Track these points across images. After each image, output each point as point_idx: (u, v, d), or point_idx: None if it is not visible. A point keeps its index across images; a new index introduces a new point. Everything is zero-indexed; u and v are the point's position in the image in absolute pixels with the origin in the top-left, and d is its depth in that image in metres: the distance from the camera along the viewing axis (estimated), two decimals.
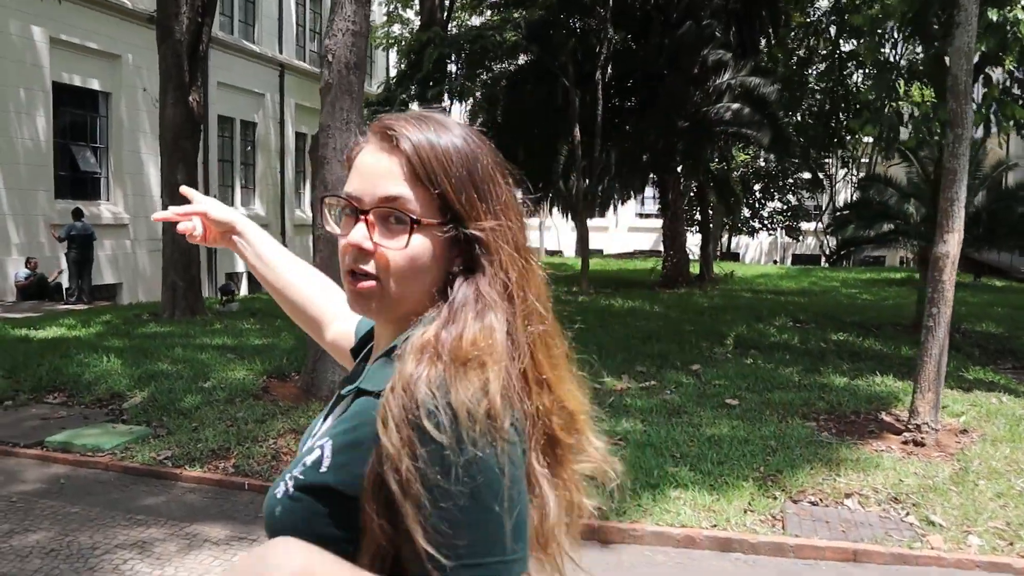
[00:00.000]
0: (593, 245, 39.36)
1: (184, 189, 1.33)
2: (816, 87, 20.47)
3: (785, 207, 32.92)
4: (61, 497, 4.78)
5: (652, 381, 7.68)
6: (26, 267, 14.75)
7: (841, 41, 17.88)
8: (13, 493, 4.85)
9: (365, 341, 1.10)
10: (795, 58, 20.20)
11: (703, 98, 17.43)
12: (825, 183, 33.20)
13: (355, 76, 6.34)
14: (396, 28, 25.61)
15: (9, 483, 5.02)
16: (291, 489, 0.88)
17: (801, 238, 35.60)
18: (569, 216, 29.22)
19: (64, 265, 15.02)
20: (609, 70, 16.09)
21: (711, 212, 22.16)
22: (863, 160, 28.83)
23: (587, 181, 16.22)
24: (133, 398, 6.66)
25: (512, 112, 17.23)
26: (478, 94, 16.12)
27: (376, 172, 0.92)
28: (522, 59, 16.17)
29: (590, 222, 33.74)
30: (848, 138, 21.35)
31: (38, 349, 8.23)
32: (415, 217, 0.89)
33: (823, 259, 38.17)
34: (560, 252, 39.62)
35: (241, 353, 8.00)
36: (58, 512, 4.53)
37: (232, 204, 20.85)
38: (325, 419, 1.00)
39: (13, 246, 14.85)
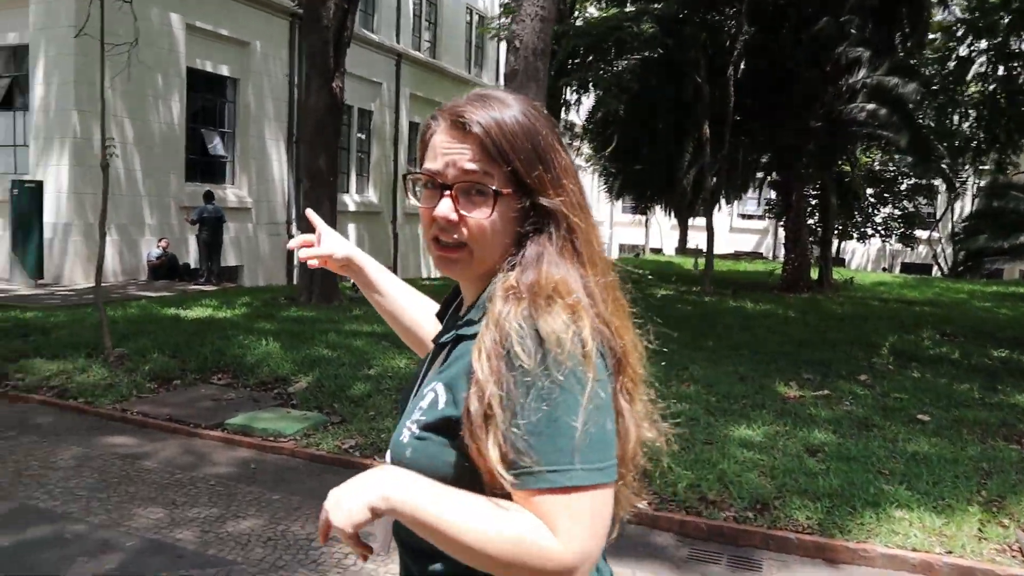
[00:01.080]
0: (692, 245, 38.57)
1: (309, 215, 1.51)
2: (966, 91, 19.26)
3: (899, 213, 31.37)
4: (257, 483, 4.70)
5: (824, 391, 7.22)
6: (157, 247, 15.17)
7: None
8: (209, 475, 4.79)
9: (448, 304, 1.24)
10: (937, 57, 19.07)
11: (835, 97, 16.65)
12: (942, 190, 31.62)
13: (541, 63, 6.11)
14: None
15: (202, 465, 4.97)
16: (416, 431, 1.00)
17: (913, 246, 33.94)
18: (672, 214, 28.60)
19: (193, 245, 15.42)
20: (742, 66, 15.50)
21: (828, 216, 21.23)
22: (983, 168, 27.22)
23: (714, 179, 15.69)
24: (298, 383, 6.61)
25: (637, 106, 16.82)
26: (601, 87, 15.71)
27: (455, 152, 1.03)
28: (649, 52, 15.70)
29: (691, 222, 33.08)
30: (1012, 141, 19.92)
31: (193, 329, 8.33)
32: (496, 189, 1.01)
33: (936, 269, 36.43)
34: (660, 250, 38.95)
35: (394, 341, 7.89)
36: (260, 499, 4.44)
37: (347, 191, 21.10)
38: (426, 372, 1.13)
39: (147, 227, 15.30)
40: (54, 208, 13.81)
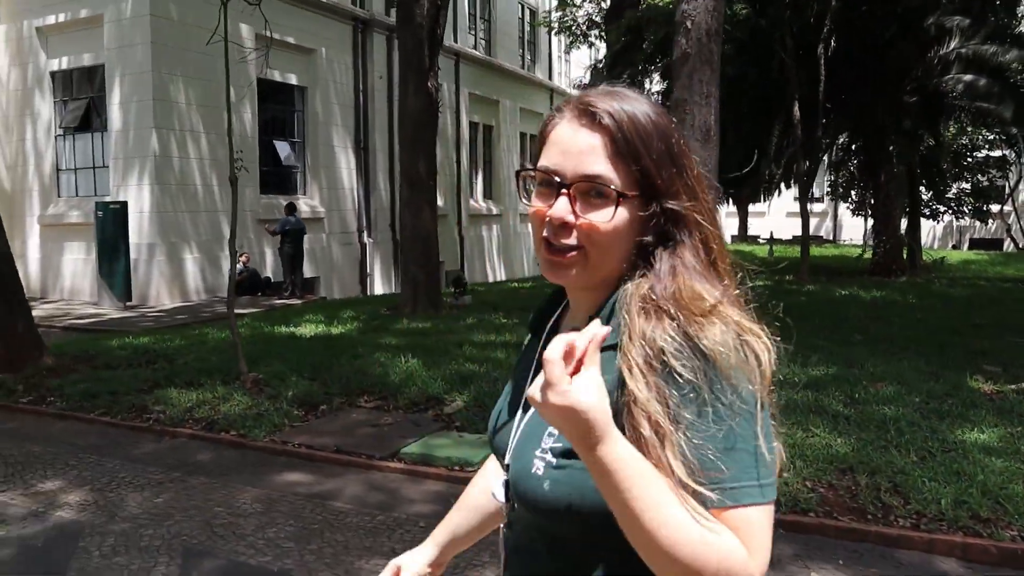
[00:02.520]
0: (750, 231, 37.61)
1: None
2: None
3: (971, 188, 30.18)
4: None
5: (1022, 383, 6.57)
6: (238, 262, 14.90)
7: None
8: (412, 515, 4.34)
9: (543, 314, 1.13)
10: None
11: (927, 70, 15.81)
12: (1012, 161, 30.45)
13: (715, 44, 5.57)
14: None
15: (397, 503, 4.53)
16: (553, 459, 0.92)
17: (986, 221, 32.69)
18: (730, 201, 27.79)
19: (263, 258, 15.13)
20: (832, 42, 14.77)
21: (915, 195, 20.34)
22: None
23: (807, 162, 14.98)
24: (453, 402, 6.15)
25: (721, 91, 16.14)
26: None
27: (578, 148, 0.94)
28: (741, 34, 15.00)
29: (750, 208, 32.12)
30: None
31: (317, 348, 7.93)
32: (620, 191, 0.92)
33: (1008, 243, 35.11)
34: None
35: None
36: (483, 540, 3.96)
37: None
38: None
39: (226, 242, 15.01)
40: (136, 229, 13.59)
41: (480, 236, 23.36)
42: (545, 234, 0.96)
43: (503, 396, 1.15)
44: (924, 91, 15.75)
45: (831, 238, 39.09)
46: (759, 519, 0.83)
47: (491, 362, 7.05)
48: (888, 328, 9.15)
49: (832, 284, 14.49)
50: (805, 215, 15.56)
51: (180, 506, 4.47)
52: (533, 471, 0.93)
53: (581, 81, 16.48)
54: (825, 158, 20.49)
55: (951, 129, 24.12)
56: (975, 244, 37.49)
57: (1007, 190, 33.42)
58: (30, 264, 15.16)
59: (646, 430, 0.83)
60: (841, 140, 19.71)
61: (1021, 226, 33.62)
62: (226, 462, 5.29)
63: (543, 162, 0.97)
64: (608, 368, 0.87)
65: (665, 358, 0.84)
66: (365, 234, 18.59)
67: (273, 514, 4.33)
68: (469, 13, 23.17)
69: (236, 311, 12.71)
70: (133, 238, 13.46)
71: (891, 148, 17.07)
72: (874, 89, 15.59)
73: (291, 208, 14.54)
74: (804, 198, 15.71)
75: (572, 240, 0.94)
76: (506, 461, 1.02)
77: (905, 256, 18.29)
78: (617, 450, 0.81)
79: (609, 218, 0.92)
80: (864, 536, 4.05)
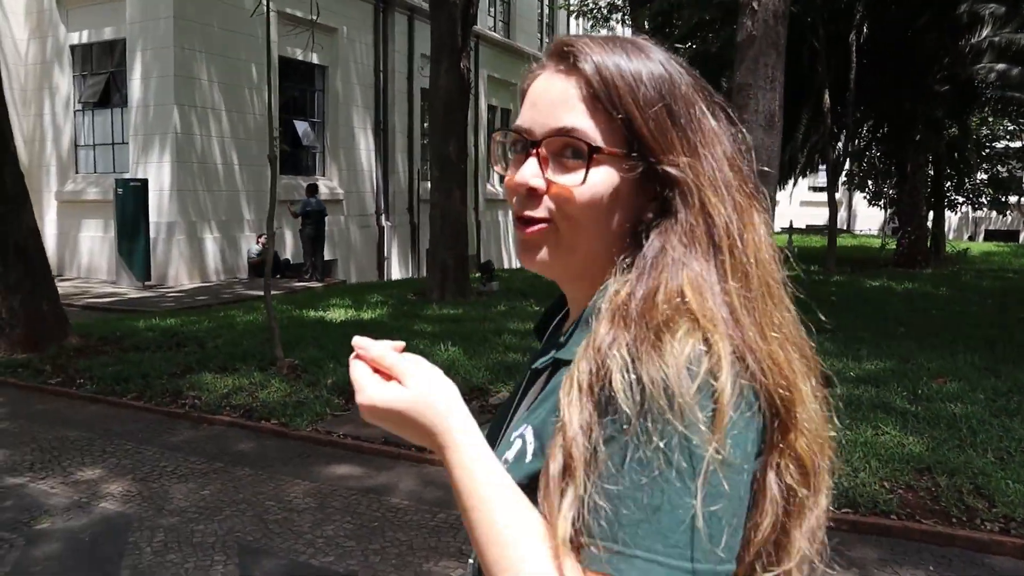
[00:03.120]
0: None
1: None
2: None
3: (988, 179, 29.82)
4: None
5: None
6: (256, 243, 14.70)
7: None
8: None
9: (549, 316, 0.94)
10: None
11: (956, 59, 15.48)
12: None
13: (782, 27, 5.33)
14: None
15: (454, 499, 4.34)
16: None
17: (1005, 213, 32.36)
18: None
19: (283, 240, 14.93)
20: (864, 29, 14.45)
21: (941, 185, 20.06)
22: None
23: (837, 150, 14.70)
24: (499, 392, 5.96)
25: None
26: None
27: (549, 98, 0.76)
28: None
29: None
30: None
31: (350, 333, 7.72)
32: (594, 144, 0.73)
33: None
34: None
35: None
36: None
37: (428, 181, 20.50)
38: (519, 402, 0.86)
39: (246, 222, 14.83)
40: (156, 207, 13.38)
41: (496, 221, 23.12)
42: (516, 207, 0.78)
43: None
44: (955, 80, 15.43)
45: (846, 227, 38.77)
46: None
47: (531, 351, 6.85)
48: (929, 321, 8.93)
49: (860, 275, 14.25)
50: (833, 204, 15.30)
51: (229, 499, 4.29)
52: None
53: None
54: (843, 147, 20.22)
55: (974, 119, 23.80)
56: (991, 235, 37.19)
57: None
58: (46, 241, 14.92)
59: (556, 463, 0.65)
60: (864, 130, 19.39)
61: None
62: (269, 452, 5.10)
63: (518, 121, 0.79)
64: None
65: (608, 379, 0.65)
66: (383, 217, 18.36)
67: (328, 510, 4.15)
68: None
69: (255, 292, 12.56)
70: (152, 216, 13.25)
71: (918, 138, 16.79)
72: (904, 77, 15.28)
73: (313, 189, 14.31)
74: (833, 187, 15.44)
75: (540, 211, 0.76)
76: None
77: (928, 247, 18.06)
78: (460, 458, 0.69)
79: (580, 180, 0.73)
80: (951, 540, 3.86)
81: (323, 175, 17.05)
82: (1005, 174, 29.40)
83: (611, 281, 0.72)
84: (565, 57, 0.76)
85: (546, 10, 26.61)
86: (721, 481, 0.62)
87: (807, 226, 35.99)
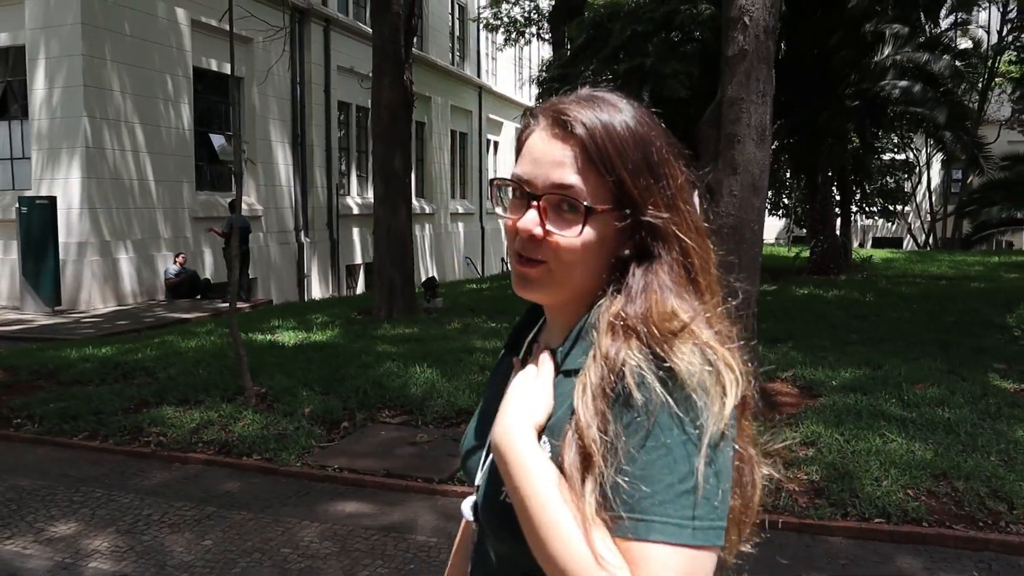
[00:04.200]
0: None
1: None
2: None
3: (878, 189, 31.66)
4: None
5: None
6: (174, 263, 13.90)
7: None
8: None
9: (519, 330, 1.09)
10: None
11: (865, 76, 16.30)
12: (918, 164, 32.29)
13: (772, 42, 5.37)
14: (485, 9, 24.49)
15: None
16: None
17: (893, 221, 34.40)
18: None
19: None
20: (783, 46, 14.95)
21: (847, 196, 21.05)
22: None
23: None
24: None
25: (650, 96, 16.12)
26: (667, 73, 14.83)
27: (549, 158, 0.90)
28: (700, 34, 14.99)
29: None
30: None
31: (310, 358, 7.32)
32: (589, 205, 0.88)
33: (908, 242, 37.11)
34: None
35: None
36: None
37: (347, 192, 19.97)
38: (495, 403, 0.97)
39: (163, 241, 13.99)
40: (64, 226, 12.43)
41: (415, 235, 22.72)
42: (516, 248, 0.92)
43: (475, 416, 1.09)
44: (864, 95, 16.21)
45: (774, 238, 40.22)
46: (667, 561, 0.75)
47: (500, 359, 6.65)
48: (875, 327, 9.24)
49: (782, 283, 14.71)
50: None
51: (237, 549, 3.90)
52: (502, 498, 0.88)
53: (539, 76, 16.11)
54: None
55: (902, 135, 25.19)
56: (878, 242, 39.40)
57: (909, 190, 35.18)
58: None
59: (573, 454, 0.80)
60: (775, 143, 20.14)
61: (922, 225, 35.57)
62: (260, 491, 4.71)
63: (516, 170, 0.93)
64: (569, 393, 0.85)
65: (625, 381, 0.80)
66: (303, 233, 17.74)
67: (354, 554, 3.83)
68: None
69: (179, 315, 11.82)
70: (61, 236, 12.30)
71: (826, 150, 17.54)
72: (818, 92, 15.94)
73: (234, 206, 13.62)
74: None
75: (539, 255, 0.90)
76: (476, 483, 1.00)
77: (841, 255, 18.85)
78: (528, 446, 0.84)
79: (576, 234, 0.88)
80: (985, 545, 3.91)
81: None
82: (893, 185, 31.33)
83: (604, 303, 0.87)
84: (561, 123, 0.89)
85: (457, 24, 26.51)
86: (721, 458, 0.79)
87: None
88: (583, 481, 0.78)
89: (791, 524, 4.05)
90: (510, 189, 0.95)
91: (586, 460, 0.79)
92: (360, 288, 20.25)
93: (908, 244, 37.44)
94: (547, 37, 19.39)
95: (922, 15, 17.40)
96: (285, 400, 6.01)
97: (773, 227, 38.44)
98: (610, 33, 12.71)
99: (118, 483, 4.87)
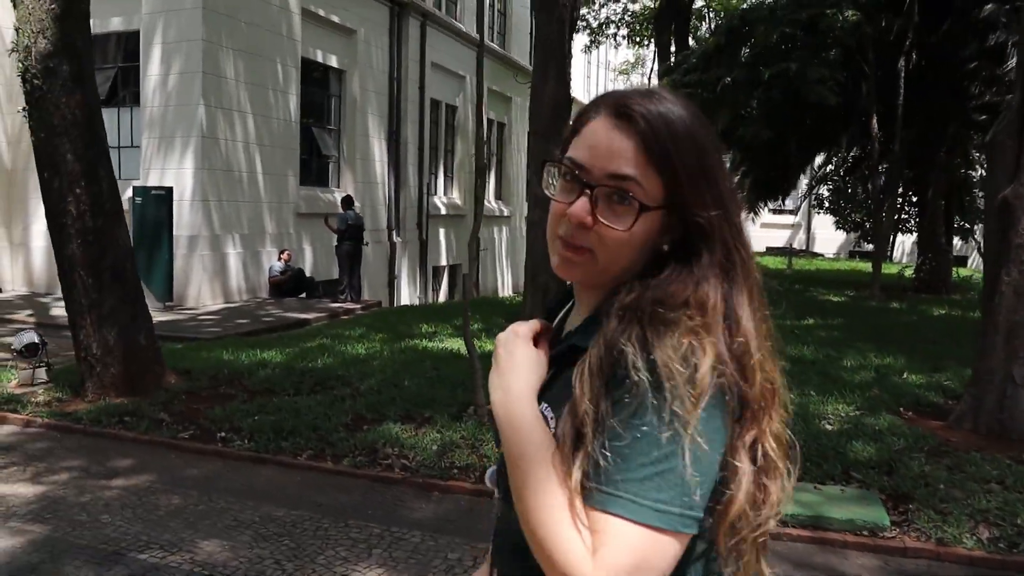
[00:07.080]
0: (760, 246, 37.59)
1: None
2: None
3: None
4: None
5: None
6: (279, 260, 13.36)
7: None
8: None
9: (552, 312, 1.11)
10: None
11: (987, 88, 15.56)
12: None
13: None
14: None
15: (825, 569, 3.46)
16: None
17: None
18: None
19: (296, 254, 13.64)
20: (913, 56, 14.27)
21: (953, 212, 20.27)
22: None
23: (882, 179, 14.45)
24: None
25: (784, 100, 15.46)
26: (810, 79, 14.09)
27: (607, 147, 0.90)
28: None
29: (752, 219, 31.95)
30: None
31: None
32: (644, 203, 0.88)
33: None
34: None
35: None
36: None
37: (435, 192, 19.45)
38: None
39: (268, 236, 13.47)
40: (176, 218, 11.92)
41: (492, 238, 22.17)
42: (561, 232, 0.92)
43: None
44: (992, 109, 15.47)
45: (805, 248, 39.42)
46: (625, 536, 0.77)
47: None
48: None
49: (910, 303, 14.00)
50: (879, 231, 15.04)
51: None
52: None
53: (672, 79, 15.46)
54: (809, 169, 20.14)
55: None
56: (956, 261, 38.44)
57: None
58: (34, 255, 13.25)
59: (567, 425, 0.84)
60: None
61: None
62: None
63: (571, 153, 0.92)
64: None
65: (620, 363, 0.82)
66: (395, 233, 17.19)
67: None
68: (490, 3, 21.99)
69: (298, 315, 11.26)
70: (173, 229, 11.79)
71: (941, 165, 16.81)
72: (944, 105, 15.23)
73: (348, 202, 13.10)
74: (878, 213, 15.18)
75: (585, 242, 0.91)
76: (501, 448, 0.95)
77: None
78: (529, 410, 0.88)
79: (627, 227, 0.88)
80: None
81: (338, 186, 15.79)
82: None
83: (623, 288, 0.89)
84: (625, 115, 0.89)
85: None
86: (692, 447, 0.79)
87: (767, 248, 36.46)
88: (574, 450, 0.82)
89: None
90: (560, 171, 0.93)
91: (577, 431, 0.83)
92: (443, 290, 19.71)
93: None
94: (622, 41, 18.69)
95: None
96: None
97: (834, 241, 37.70)
98: (746, 38, 12.03)
99: (385, 516, 4.27)
